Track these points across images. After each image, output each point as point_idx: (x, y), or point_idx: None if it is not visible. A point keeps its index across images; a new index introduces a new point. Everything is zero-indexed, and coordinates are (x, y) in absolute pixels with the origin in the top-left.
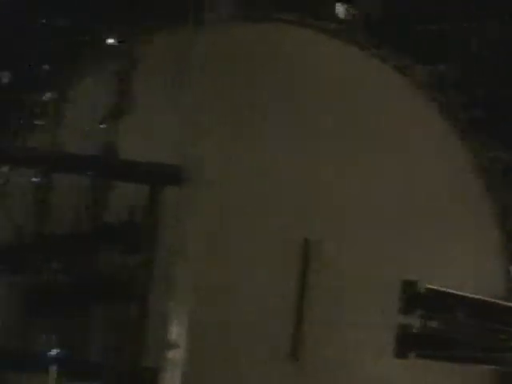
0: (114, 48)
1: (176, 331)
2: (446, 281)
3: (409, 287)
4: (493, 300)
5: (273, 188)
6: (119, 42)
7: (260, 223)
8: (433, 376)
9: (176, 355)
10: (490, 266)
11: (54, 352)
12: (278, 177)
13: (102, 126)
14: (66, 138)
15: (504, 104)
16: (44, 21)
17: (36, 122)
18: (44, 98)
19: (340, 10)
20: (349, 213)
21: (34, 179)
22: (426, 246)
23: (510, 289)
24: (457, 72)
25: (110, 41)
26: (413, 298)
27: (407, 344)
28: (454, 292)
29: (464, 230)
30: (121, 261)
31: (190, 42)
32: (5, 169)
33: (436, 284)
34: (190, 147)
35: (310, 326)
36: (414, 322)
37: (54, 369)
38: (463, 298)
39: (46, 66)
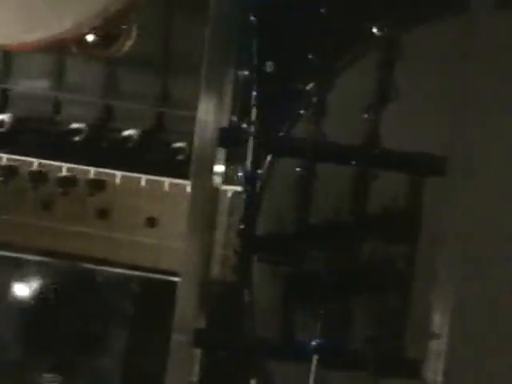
0: (379, 36)
1: (439, 321)
2: None
3: None
4: None
5: None
6: (384, 30)
7: None
8: None
9: (439, 346)
10: None
11: (316, 341)
12: None
13: (365, 115)
14: (329, 127)
15: None
16: (306, 9)
17: (300, 112)
18: (308, 87)
19: None
20: None
21: (297, 169)
22: None
23: None
24: None
25: (375, 29)
26: None
27: None
28: None
29: None
30: (383, 250)
31: (455, 31)
32: (269, 158)
33: None
34: (456, 137)
35: None
36: None
37: (315, 358)
38: None
39: (310, 55)
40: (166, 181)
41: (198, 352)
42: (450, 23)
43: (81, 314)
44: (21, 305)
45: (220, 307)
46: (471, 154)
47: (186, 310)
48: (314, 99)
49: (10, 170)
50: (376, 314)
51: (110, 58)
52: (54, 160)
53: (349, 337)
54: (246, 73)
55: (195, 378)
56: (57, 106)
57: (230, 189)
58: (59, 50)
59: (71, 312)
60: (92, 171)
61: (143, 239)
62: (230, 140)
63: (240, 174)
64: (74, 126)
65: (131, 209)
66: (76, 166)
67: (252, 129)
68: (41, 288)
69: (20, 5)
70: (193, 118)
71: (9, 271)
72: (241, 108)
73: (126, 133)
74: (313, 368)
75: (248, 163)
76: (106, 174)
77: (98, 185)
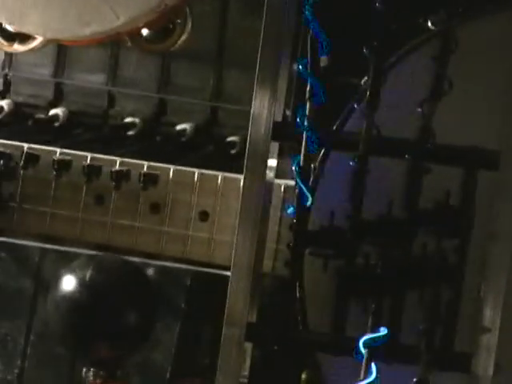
0: (433, 31)
1: (489, 315)
2: None
3: None
4: None
5: None
6: (438, 24)
7: None
8: None
9: (489, 340)
10: None
11: (367, 335)
12: None
13: (419, 109)
14: (382, 122)
15: None
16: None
17: (354, 106)
18: (362, 81)
19: None
20: None
21: (350, 163)
22: None
23: None
24: None
25: (429, 24)
26: None
27: None
28: None
29: None
30: (435, 245)
31: (510, 25)
32: (322, 152)
33: None
34: (510, 131)
35: None
36: None
37: (367, 351)
38: None
39: (364, 50)
40: (220, 175)
41: (249, 346)
42: (506, 17)
43: (132, 308)
44: (71, 299)
45: (272, 301)
46: None
47: (238, 304)
48: (368, 93)
49: (64, 164)
50: (427, 308)
51: (164, 52)
52: (107, 154)
53: (400, 331)
54: (301, 67)
55: (246, 372)
56: (111, 100)
57: (283, 183)
58: (114, 43)
59: (123, 307)
60: (145, 165)
61: (196, 233)
62: (283, 134)
63: (293, 168)
64: (128, 120)
65: (184, 203)
66: (129, 160)
67: (306, 123)
68: (92, 282)
69: None
70: (247, 112)
71: (61, 265)
72: (295, 102)
73: (180, 127)
74: (364, 362)
75: (301, 157)
76: (160, 168)
77: (151, 179)
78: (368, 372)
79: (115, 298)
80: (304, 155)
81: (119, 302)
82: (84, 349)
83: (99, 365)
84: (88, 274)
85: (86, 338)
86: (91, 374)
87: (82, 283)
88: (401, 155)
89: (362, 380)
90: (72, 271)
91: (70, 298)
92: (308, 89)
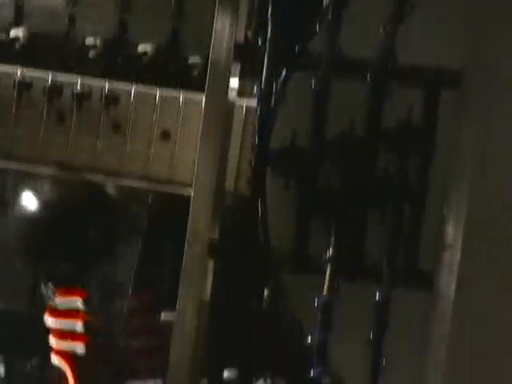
0: None
1: (451, 233)
2: None
3: None
4: None
5: None
6: None
7: None
8: None
9: (452, 257)
10: None
11: (329, 254)
12: None
13: (381, 30)
14: (345, 42)
15: None
16: None
17: (316, 27)
18: (324, 1)
19: None
20: None
21: (312, 83)
22: None
23: None
24: None
25: None
26: None
27: None
28: None
29: None
30: (398, 165)
31: None
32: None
33: None
34: (471, 51)
35: None
36: None
37: (329, 270)
38: None
39: None
40: (181, 95)
41: (211, 263)
42: None
43: (94, 226)
44: (33, 217)
45: (234, 219)
46: (488, 67)
47: (200, 222)
48: (330, 14)
49: (25, 85)
50: (390, 227)
51: None
52: (69, 74)
53: (363, 249)
54: None
55: (208, 289)
56: (72, 21)
57: (245, 103)
58: None
59: (83, 223)
60: (107, 85)
61: (158, 152)
62: (245, 55)
63: (255, 88)
64: (89, 40)
65: (145, 123)
66: (91, 80)
67: (267, 44)
68: (53, 200)
69: None
70: (209, 33)
71: (23, 184)
72: (256, 23)
73: (142, 47)
74: (326, 279)
75: (263, 78)
76: (121, 88)
77: (113, 99)
78: (331, 289)
79: (76, 215)
80: (266, 76)
81: (80, 219)
82: (44, 265)
83: (59, 280)
84: (49, 192)
85: (46, 255)
86: (50, 288)
87: (43, 201)
88: (363, 75)
89: (325, 296)
90: (33, 190)
91: (31, 216)
92: (270, 9)
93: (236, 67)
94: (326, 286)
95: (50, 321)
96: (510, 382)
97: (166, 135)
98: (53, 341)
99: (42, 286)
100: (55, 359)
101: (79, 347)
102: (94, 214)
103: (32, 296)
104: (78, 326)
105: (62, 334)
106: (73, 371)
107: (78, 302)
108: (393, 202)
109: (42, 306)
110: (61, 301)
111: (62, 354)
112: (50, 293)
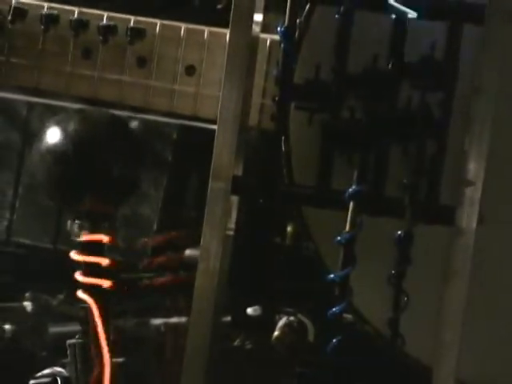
0: None
1: (473, 168)
2: None
3: None
4: None
5: None
6: None
7: None
8: None
9: (473, 193)
10: None
11: (352, 188)
12: None
13: None
14: None
15: None
16: None
17: None
18: None
19: None
20: None
21: (336, 16)
22: None
23: None
24: None
25: None
26: None
27: None
28: None
29: None
30: (421, 98)
31: None
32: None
33: None
34: None
35: None
36: None
37: (352, 204)
38: None
39: None
40: (206, 29)
41: (235, 199)
42: None
43: (118, 160)
44: (58, 152)
45: (258, 155)
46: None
47: (224, 158)
48: None
49: (51, 18)
50: (412, 162)
51: None
52: (94, 8)
53: (385, 184)
54: None
55: (232, 225)
56: None
57: (269, 37)
58: None
59: (108, 159)
60: (132, 20)
61: (182, 87)
62: None
63: (279, 22)
64: None
65: (170, 57)
66: (116, 14)
67: None
68: (78, 134)
69: None
70: None
71: (48, 118)
72: None
73: None
74: (349, 214)
75: (287, 12)
76: (146, 22)
77: (138, 33)
78: (353, 224)
79: (101, 150)
80: (289, 9)
81: (105, 154)
82: (70, 201)
83: (85, 217)
84: (74, 127)
85: (71, 191)
86: (77, 226)
87: (68, 136)
88: (386, 9)
89: (348, 232)
90: (58, 124)
91: (56, 151)
92: None
93: (260, 1)
94: (348, 222)
95: (76, 257)
96: None
97: (191, 70)
98: (79, 277)
99: (69, 222)
100: (82, 295)
101: (105, 283)
102: (119, 150)
103: (59, 233)
104: (104, 262)
105: (89, 271)
106: (99, 307)
107: (104, 239)
108: (415, 137)
109: (69, 242)
110: (87, 238)
111: (88, 289)
112: (76, 230)
